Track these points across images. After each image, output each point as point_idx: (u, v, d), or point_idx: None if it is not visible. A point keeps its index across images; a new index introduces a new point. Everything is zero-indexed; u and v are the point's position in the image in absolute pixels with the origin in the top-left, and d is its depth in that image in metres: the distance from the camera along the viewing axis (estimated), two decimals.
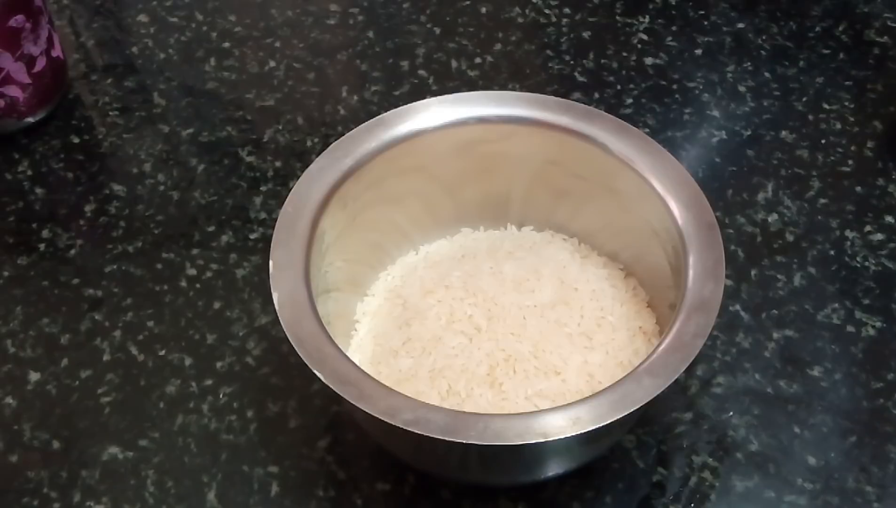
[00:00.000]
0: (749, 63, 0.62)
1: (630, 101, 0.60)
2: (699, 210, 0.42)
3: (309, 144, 0.58)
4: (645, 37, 0.64)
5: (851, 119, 0.59)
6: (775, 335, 0.49)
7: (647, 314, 0.45)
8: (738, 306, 0.50)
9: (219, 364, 0.48)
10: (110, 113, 0.60)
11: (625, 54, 0.63)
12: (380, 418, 0.36)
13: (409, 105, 0.46)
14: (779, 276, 0.51)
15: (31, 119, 0.58)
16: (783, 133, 0.58)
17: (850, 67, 0.62)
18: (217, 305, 0.51)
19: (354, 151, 0.44)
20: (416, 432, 0.35)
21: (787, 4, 0.65)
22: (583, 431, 0.35)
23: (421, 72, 0.62)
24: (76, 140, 0.59)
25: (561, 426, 0.35)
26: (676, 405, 0.46)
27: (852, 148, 0.57)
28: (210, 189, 0.56)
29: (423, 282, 0.46)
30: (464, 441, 0.35)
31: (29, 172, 0.57)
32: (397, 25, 0.65)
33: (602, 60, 0.62)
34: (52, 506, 0.44)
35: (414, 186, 0.47)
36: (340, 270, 0.45)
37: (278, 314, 0.39)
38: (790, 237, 0.53)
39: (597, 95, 0.60)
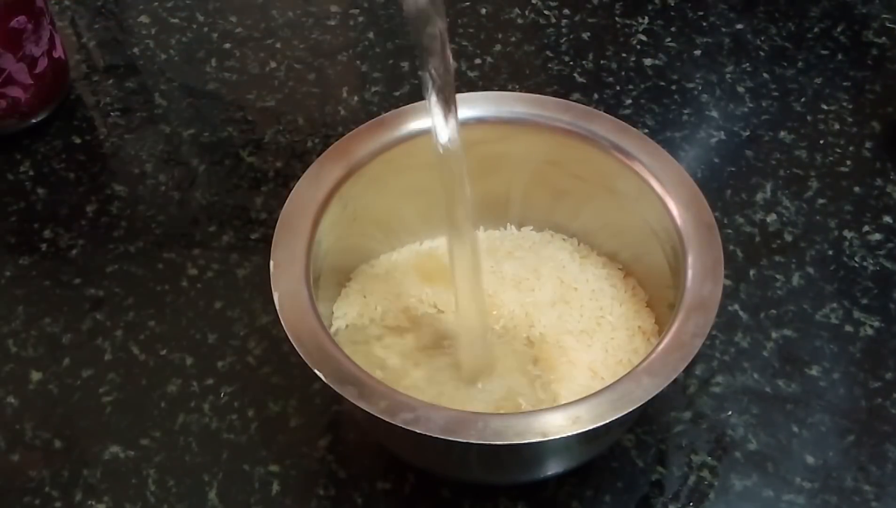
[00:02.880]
0: (748, 64, 0.62)
1: (629, 101, 0.60)
2: (698, 210, 0.42)
3: (309, 144, 0.58)
4: (644, 38, 0.64)
5: (850, 120, 0.59)
6: (774, 335, 0.49)
7: (646, 314, 0.45)
8: (736, 306, 0.50)
9: (220, 364, 0.48)
10: (112, 113, 0.60)
11: (624, 55, 0.63)
12: (380, 417, 0.36)
13: (409, 106, 0.46)
14: (777, 276, 0.51)
15: (32, 120, 0.58)
16: (782, 134, 0.58)
17: (848, 67, 0.62)
18: (218, 304, 0.51)
19: (355, 151, 0.44)
20: (417, 431, 0.35)
21: (786, 5, 0.65)
22: (582, 430, 0.35)
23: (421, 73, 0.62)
24: (78, 141, 0.59)
25: (560, 425, 0.35)
26: (675, 405, 0.47)
27: (851, 148, 0.57)
28: (211, 189, 0.56)
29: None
30: (464, 441, 0.35)
31: (31, 173, 0.57)
32: (398, 26, 0.65)
33: (601, 61, 0.62)
34: (54, 505, 0.44)
35: (414, 187, 0.47)
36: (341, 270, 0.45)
37: (279, 314, 0.39)
38: (789, 237, 0.53)
39: (596, 96, 0.60)
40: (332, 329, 0.45)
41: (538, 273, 0.46)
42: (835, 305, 0.50)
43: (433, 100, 0.37)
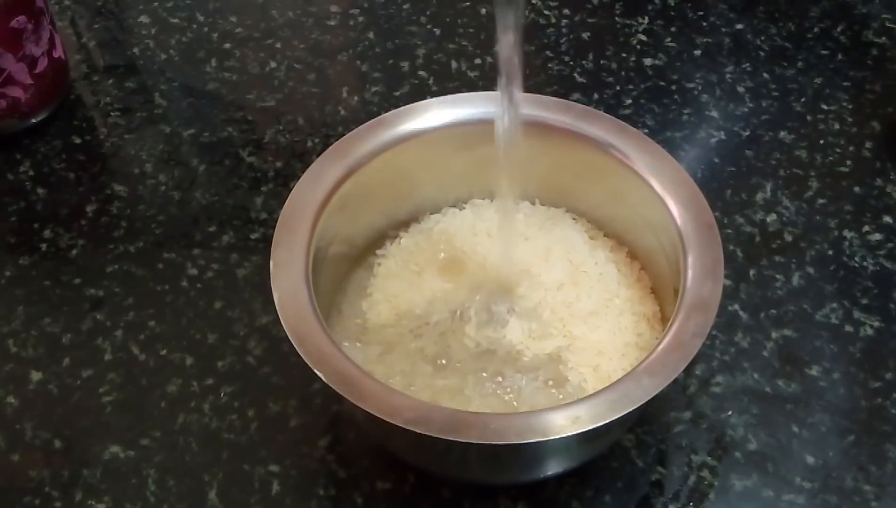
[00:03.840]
0: (748, 64, 0.62)
1: (629, 101, 0.60)
2: (698, 210, 0.42)
3: (309, 144, 0.58)
4: (644, 38, 0.64)
5: (850, 120, 0.59)
6: (774, 335, 0.49)
7: (651, 301, 0.45)
8: (736, 306, 0.50)
9: (220, 364, 0.48)
10: (112, 113, 0.60)
11: (624, 55, 0.63)
12: (380, 417, 0.36)
13: (409, 106, 0.46)
14: (777, 276, 0.51)
15: (33, 120, 0.58)
16: (782, 134, 0.58)
17: (848, 67, 0.62)
18: (218, 304, 0.51)
19: (355, 151, 0.44)
20: (417, 431, 0.35)
21: (786, 5, 0.65)
22: (582, 430, 0.35)
23: (421, 73, 0.62)
24: (78, 140, 0.59)
25: (560, 425, 0.36)
26: (675, 405, 0.47)
27: (851, 148, 0.57)
28: (211, 189, 0.56)
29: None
30: (464, 441, 0.35)
31: (31, 173, 0.57)
32: (397, 26, 0.65)
33: (601, 61, 0.62)
34: (54, 505, 0.44)
35: (414, 187, 0.47)
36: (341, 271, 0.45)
37: (279, 314, 0.39)
38: (789, 237, 0.53)
39: (596, 96, 0.60)
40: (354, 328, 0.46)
41: (548, 254, 0.46)
42: (835, 305, 0.50)
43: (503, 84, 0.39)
